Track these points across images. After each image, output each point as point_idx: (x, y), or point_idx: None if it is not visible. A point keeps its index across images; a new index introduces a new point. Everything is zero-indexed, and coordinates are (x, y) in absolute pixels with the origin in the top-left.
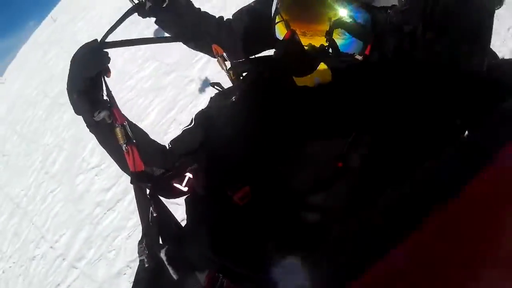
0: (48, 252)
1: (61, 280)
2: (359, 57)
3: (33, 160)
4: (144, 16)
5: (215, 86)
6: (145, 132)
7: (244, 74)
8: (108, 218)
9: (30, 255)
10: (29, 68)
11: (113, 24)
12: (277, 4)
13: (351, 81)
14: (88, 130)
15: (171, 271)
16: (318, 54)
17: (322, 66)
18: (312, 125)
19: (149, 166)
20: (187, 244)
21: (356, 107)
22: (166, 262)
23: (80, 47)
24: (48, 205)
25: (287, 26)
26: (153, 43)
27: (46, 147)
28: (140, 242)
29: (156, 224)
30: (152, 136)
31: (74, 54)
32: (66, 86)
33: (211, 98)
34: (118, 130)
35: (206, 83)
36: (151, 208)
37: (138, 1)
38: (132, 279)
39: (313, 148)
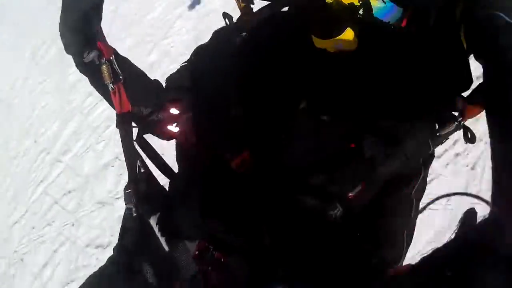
0: (32, 147)
1: (44, 176)
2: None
3: (22, 52)
4: None
5: (226, 19)
6: (136, 67)
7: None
8: (100, 107)
9: (12, 154)
10: None
11: None
12: None
13: (379, 55)
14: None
15: (162, 243)
16: (346, 15)
17: (349, 31)
18: (325, 96)
19: (137, 106)
20: (176, 208)
21: (380, 86)
22: (157, 233)
23: None
24: (35, 97)
25: None
26: None
27: (38, 39)
28: (126, 188)
29: (144, 181)
30: (155, 31)
31: None
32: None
33: (214, 31)
34: (104, 67)
35: None
36: (138, 163)
37: None
38: (121, 171)
39: (323, 122)
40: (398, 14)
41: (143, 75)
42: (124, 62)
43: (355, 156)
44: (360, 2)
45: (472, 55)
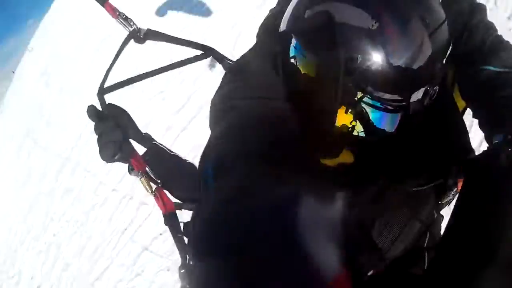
0: (110, 196)
1: (129, 223)
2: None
3: (79, 112)
4: (141, 42)
5: None
6: (174, 167)
7: None
8: (182, 139)
9: (87, 206)
10: (58, 32)
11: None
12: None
13: (375, 162)
14: None
15: None
16: (338, 139)
17: (345, 152)
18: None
19: (181, 205)
20: None
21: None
22: None
23: (88, 112)
24: None
25: None
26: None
27: (93, 96)
28: (180, 268)
29: None
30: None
31: (94, 126)
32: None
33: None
34: (143, 180)
35: None
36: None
37: (132, 28)
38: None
39: None
40: (392, 120)
41: (180, 174)
42: (160, 164)
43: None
44: (354, 122)
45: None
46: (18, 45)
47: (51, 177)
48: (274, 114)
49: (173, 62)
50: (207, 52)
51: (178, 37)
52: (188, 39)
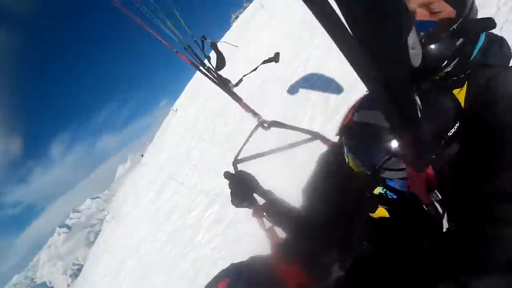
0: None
1: None
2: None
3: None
4: (267, 129)
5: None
6: (287, 210)
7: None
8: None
9: (237, 236)
10: (200, 98)
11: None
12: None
13: (403, 217)
14: None
15: None
16: (375, 200)
17: (381, 209)
18: (374, 240)
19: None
20: None
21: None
22: None
23: (224, 175)
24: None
25: None
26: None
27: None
28: None
29: None
30: None
31: (228, 184)
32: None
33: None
34: (259, 221)
35: None
36: None
37: (260, 120)
38: None
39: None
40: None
41: (287, 218)
42: (274, 211)
43: None
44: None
45: None
46: (151, 122)
47: (198, 211)
48: (343, 185)
49: (288, 144)
50: (316, 136)
51: (295, 126)
52: (302, 128)
